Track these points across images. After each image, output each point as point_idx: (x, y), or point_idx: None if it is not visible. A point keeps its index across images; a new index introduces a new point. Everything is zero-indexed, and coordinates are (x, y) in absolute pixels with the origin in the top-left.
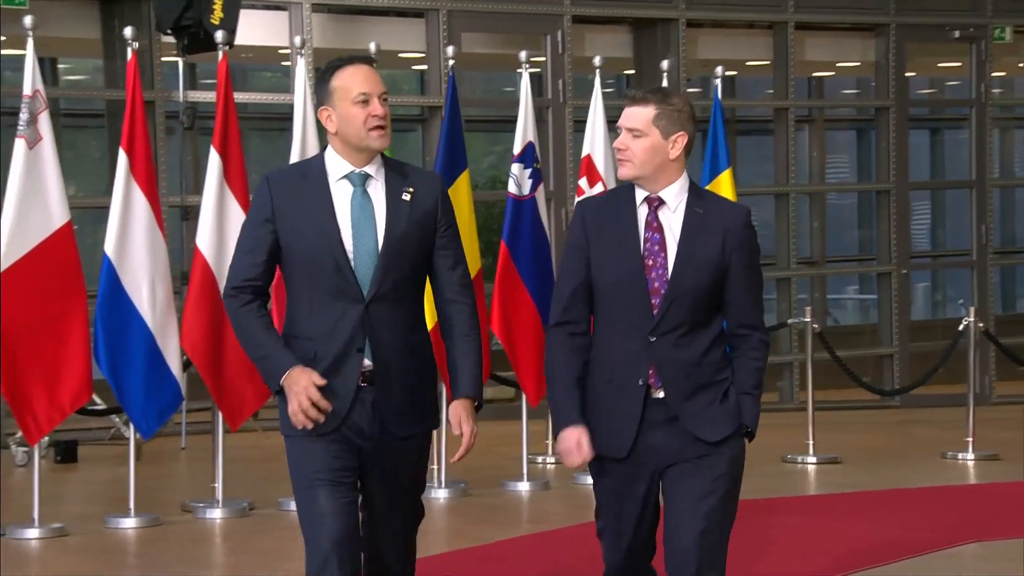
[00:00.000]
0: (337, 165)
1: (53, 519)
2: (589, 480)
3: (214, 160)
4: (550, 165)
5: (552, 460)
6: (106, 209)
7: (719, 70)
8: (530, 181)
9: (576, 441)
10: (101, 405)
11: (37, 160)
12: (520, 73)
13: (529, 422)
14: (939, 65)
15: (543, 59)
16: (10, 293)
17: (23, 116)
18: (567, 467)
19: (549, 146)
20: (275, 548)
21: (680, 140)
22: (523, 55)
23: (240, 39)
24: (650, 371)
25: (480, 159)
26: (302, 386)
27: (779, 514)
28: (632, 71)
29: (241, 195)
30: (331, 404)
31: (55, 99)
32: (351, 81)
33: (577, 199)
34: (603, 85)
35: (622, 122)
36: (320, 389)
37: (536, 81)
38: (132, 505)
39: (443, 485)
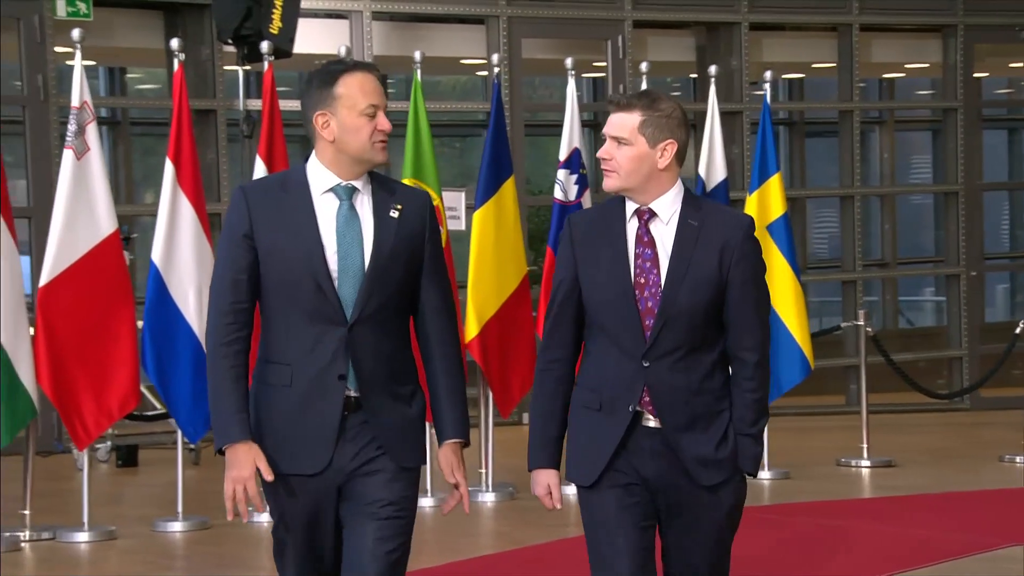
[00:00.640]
0: (322, 177)
1: (107, 521)
2: None
3: (259, 169)
4: None
5: None
6: None
7: (768, 74)
8: (576, 187)
9: (545, 489)
10: (161, 410)
11: (85, 170)
12: (568, 79)
13: None
14: (1010, 65)
15: (604, 63)
16: (59, 300)
17: (71, 127)
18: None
19: None
20: None
21: (669, 148)
22: (569, 62)
23: (303, 47)
24: (644, 397)
25: (545, 164)
26: (241, 476)
27: (827, 516)
28: (695, 75)
29: None
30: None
31: (125, 109)
32: (360, 91)
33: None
34: (669, 88)
35: (606, 130)
36: (296, 423)
37: (600, 86)
38: (180, 508)
39: (490, 489)
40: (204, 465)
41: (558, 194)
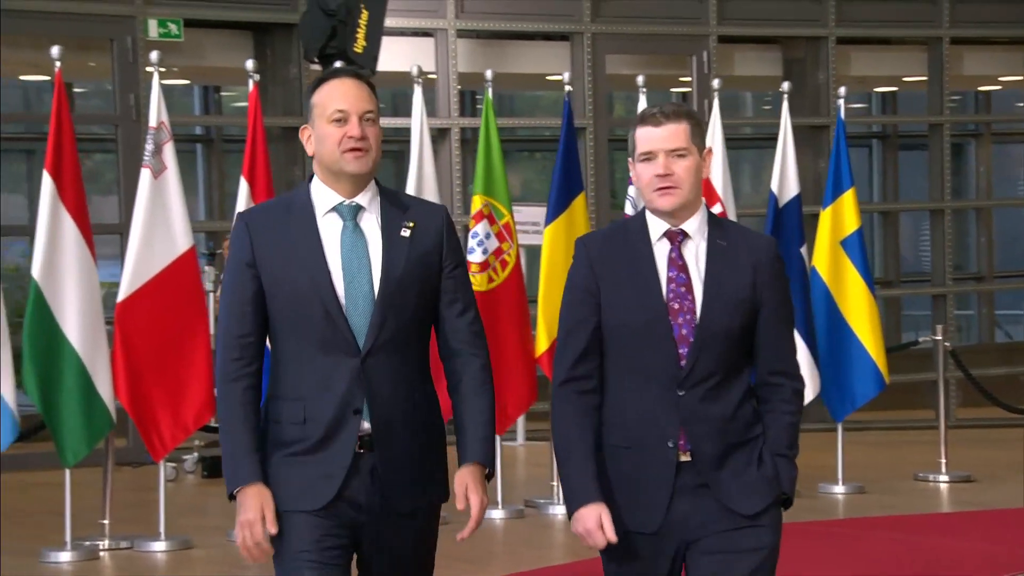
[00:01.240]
0: (324, 196)
1: (187, 532)
2: None
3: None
4: None
5: None
6: None
7: (842, 90)
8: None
9: (597, 521)
10: None
11: (162, 189)
12: (638, 95)
13: None
14: None
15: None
16: (137, 315)
17: (148, 147)
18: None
19: None
20: None
21: (708, 156)
22: (640, 79)
23: (391, 65)
24: (678, 430)
25: None
26: (249, 520)
27: (902, 531)
28: (783, 89)
29: None
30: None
31: (220, 127)
32: (328, 97)
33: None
34: (760, 103)
35: (657, 145)
36: (307, 462)
37: (686, 101)
38: None
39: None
40: None
41: (628, 210)
